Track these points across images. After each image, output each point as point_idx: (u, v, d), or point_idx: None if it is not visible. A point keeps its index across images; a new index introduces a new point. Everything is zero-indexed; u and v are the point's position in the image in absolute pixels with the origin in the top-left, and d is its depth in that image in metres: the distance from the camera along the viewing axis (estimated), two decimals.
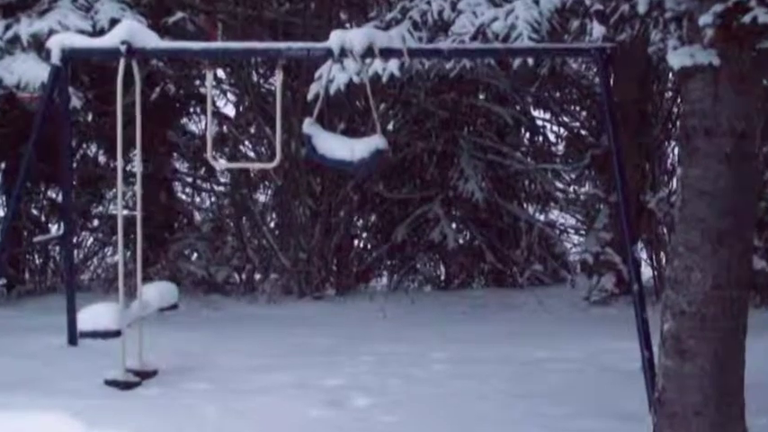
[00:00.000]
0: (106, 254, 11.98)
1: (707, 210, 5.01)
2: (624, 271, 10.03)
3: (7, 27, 8.71)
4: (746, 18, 4.69)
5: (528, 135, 12.45)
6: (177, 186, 12.13)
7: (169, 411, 6.04)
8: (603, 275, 10.51)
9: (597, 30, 6.37)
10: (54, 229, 11.36)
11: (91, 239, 12.04)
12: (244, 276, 11.25)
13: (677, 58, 4.99)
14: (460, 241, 11.72)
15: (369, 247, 11.96)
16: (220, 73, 11.55)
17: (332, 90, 7.27)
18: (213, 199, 12.15)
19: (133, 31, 6.77)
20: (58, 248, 11.30)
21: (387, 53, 6.71)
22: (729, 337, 5.08)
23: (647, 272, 10.62)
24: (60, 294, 8.99)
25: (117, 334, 6.52)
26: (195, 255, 11.32)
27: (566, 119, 12.56)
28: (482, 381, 6.89)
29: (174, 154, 11.92)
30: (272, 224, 11.59)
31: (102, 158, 11.80)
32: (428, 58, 7.71)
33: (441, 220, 11.32)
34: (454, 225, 11.66)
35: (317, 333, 8.80)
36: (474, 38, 6.87)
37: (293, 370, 7.12)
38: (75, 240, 10.72)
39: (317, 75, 7.38)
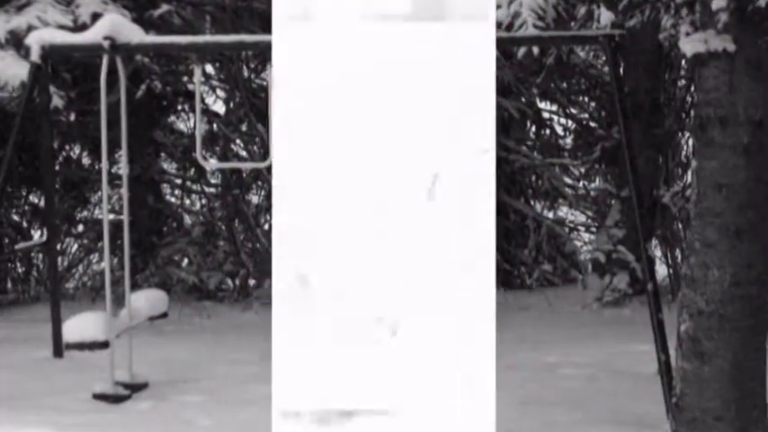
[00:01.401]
0: (92, 261, 11.97)
1: (724, 203, 5.02)
2: (638, 270, 10.02)
3: None
4: (762, 1, 4.69)
5: (534, 128, 12.45)
6: (165, 188, 12.12)
7: (161, 425, 6.04)
8: (616, 275, 10.50)
9: (605, 16, 6.38)
10: (37, 236, 11.36)
11: (76, 246, 12.04)
12: (237, 282, 11.24)
13: (690, 45, 5.00)
14: None
15: None
16: (209, 68, 11.55)
17: None
18: (204, 201, 12.14)
19: (117, 25, 6.77)
20: (41, 256, 11.30)
21: None
22: (749, 337, 5.08)
23: (661, 270, 10.64)
24: (44, 304, 8.99)
25: (105, 345, 6.52)
26: (186, 260, 11.30)
27: (574, 110, 12.56)
28: None
29: (162, 154, 11.91)
30: (266, 226, 11.59)
31: (85, 160, 11.81)
32: None
33: None
34: None
35: None
36: None
37: None
38: (59, 247, 10.73)
39: None
